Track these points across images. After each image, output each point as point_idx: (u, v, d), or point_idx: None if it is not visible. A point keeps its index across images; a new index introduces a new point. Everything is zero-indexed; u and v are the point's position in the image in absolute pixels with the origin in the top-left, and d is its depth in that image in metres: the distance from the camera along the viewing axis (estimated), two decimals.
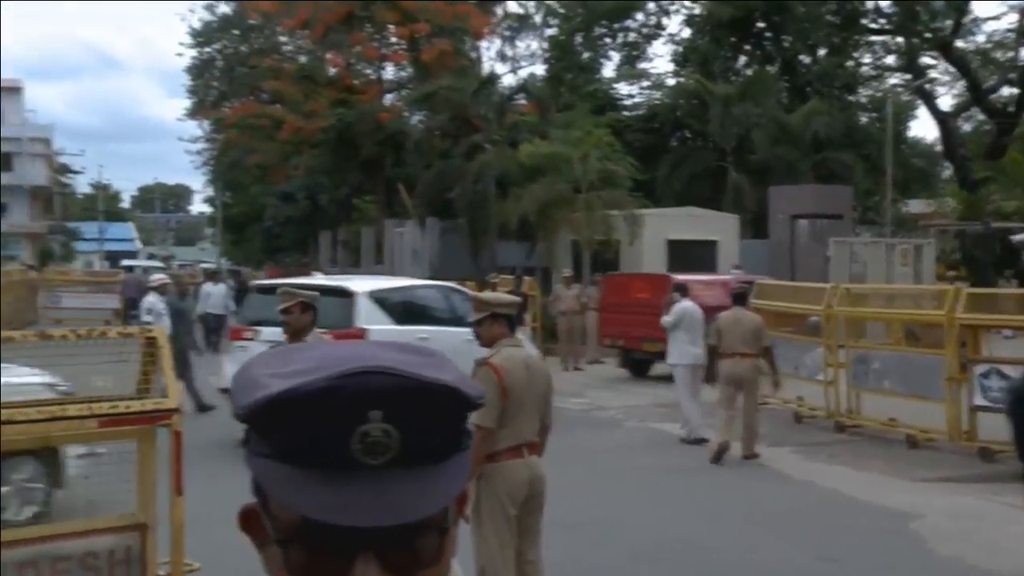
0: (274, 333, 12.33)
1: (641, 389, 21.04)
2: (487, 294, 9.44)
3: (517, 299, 8.55)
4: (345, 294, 15.34)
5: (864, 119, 48.41)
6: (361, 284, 16.01)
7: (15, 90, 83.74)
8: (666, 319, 15.75)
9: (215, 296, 27.45)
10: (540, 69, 50.49)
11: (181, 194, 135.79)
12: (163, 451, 5.36)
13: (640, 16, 46.05)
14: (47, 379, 8.23)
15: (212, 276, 31.87)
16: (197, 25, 56.24)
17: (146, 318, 19.84)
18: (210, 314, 27.08)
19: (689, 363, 15.33)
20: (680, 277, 19.97)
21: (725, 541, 10.04)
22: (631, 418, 17.67)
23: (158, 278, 27.07)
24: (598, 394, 20.47)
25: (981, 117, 52.89)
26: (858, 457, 14.13)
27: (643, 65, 46.34)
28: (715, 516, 11.03)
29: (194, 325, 21.54)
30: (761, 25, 43.63)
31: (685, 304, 15.72)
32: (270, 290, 15.52)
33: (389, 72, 48.82)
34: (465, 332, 16.92)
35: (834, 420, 16.01)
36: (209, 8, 55.79)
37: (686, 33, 46.03)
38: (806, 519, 11.03)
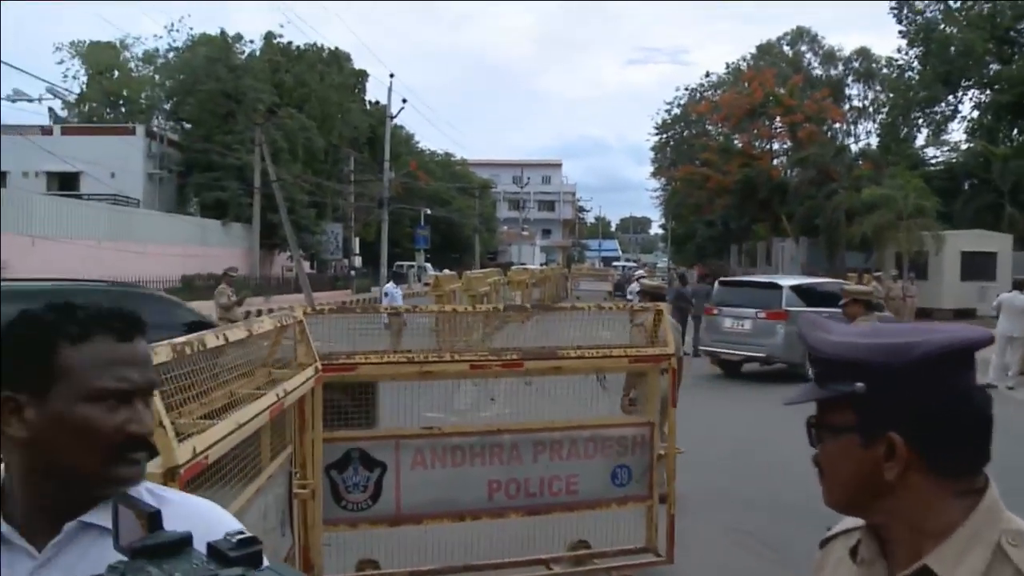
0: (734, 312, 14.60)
1: None
2: (850, 285, 9.21)
3: (870, 288, 8.53)
4: (775, 287, 15.08)
5: None
6: (785, 280, 15.38)
7: (558, 165, 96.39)
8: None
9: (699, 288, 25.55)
10: (875, 141, 50.22)
11: (645, 223, 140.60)
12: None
13: (943, 104, 44.91)
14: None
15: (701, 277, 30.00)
16: (659, 121, 59.04)
17: (629, 297, 21.38)
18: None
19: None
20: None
21: None
22: None
23: (638, 273, 28.61)
24: None
25: None
26: None
27: (945, 136, 44.88)
28: None
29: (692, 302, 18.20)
30: None
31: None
32: (731, 283, 16.62)
33: (776, 145, 49.00)
34: None
35: None
36: (668, 111, 58.77)
37: (975, 113, 43.55)
38: None
